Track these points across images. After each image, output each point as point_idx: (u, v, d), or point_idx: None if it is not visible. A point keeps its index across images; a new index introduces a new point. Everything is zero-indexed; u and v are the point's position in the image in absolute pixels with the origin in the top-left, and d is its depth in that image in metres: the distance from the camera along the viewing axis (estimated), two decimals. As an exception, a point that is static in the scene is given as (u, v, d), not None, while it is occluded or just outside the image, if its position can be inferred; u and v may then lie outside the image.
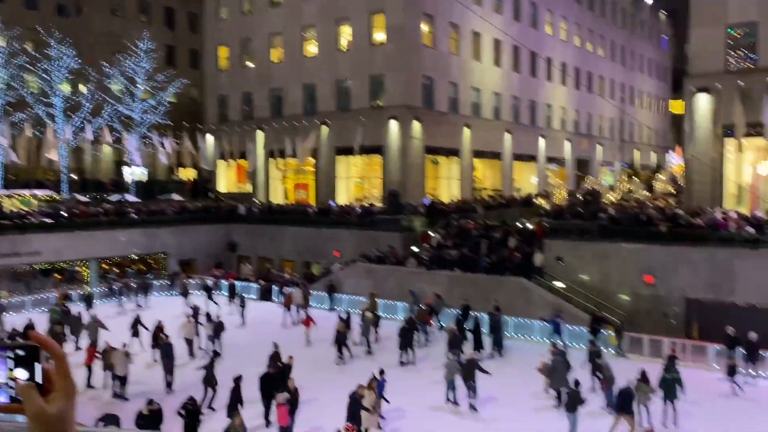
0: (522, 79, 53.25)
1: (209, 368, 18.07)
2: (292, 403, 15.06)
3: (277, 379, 16.61)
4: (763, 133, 25.21)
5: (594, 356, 19.22)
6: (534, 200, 43.93)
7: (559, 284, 27.30)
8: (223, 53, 53.35)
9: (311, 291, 31.01)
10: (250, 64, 51.33)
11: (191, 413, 14.48)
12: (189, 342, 23.01)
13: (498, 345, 23.44)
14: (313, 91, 46.92)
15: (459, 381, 18.10)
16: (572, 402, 15.54)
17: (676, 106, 77.14)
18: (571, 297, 26.54)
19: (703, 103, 31.55)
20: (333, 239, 36.63)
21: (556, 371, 17.92)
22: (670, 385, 16.77)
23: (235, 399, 15.38)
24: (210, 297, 31.35)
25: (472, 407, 18.00)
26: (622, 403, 15.62)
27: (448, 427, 16.95)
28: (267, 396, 16.29)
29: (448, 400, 18.29)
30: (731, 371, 19.31)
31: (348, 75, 44.85)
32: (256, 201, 46.80)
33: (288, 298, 29.12)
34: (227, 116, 53.15)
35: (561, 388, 17.59)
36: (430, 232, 33.54)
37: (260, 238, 40.28)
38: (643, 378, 16.70)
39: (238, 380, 15.86)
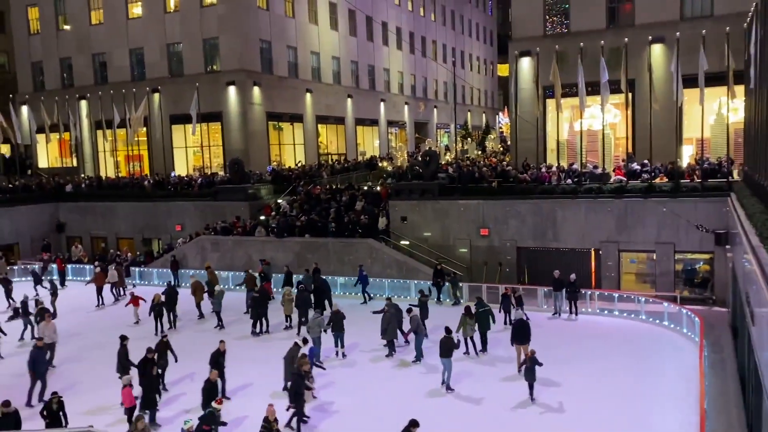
0: (360, 44, 53.71)
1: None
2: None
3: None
4: (577, 93, 27.66)
5: (419, 305, 20.49)
6: (378, 163, 44.93)
7: (404, 242, 28.40)
8: (34, 14, 48.00)
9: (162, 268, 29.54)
10: (67, 27, 46.68)
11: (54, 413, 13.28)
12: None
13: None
14: (141, 56, 43.85)
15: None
16: (446, 348, 16.37)
17: (503, 69, 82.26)
18: (416, 253, 27.76)
19: (525, 65, 33.92)
20: (173, 213, 34.98)
21: (390, 323, 18.83)
22: (483, 317, 19.15)
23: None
24: (37, 284, 28.76)
25: (344, 355, 19.28)
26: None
27: (329, 383, 17.09)
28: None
29: (318, 362, 18.28)
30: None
31: (179, 38, 42.41)
32: (84, 176, 43.25)
33: (99, 276, 27.43)
34: (44, 84, 48.18)
35: (393, 339, 19.08)
36: (273, 203, 33.08)
37: (91, 215, 37.44)
38: (467, 312, 18.91)
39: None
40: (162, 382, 16.49)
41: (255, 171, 37.28)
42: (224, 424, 12.93)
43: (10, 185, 38.98)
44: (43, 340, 17.21)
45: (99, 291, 27.01)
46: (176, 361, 17.16)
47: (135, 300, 23.94)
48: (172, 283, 27.04)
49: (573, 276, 22.77)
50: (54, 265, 31.87)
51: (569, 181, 26.89)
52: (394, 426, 12.20)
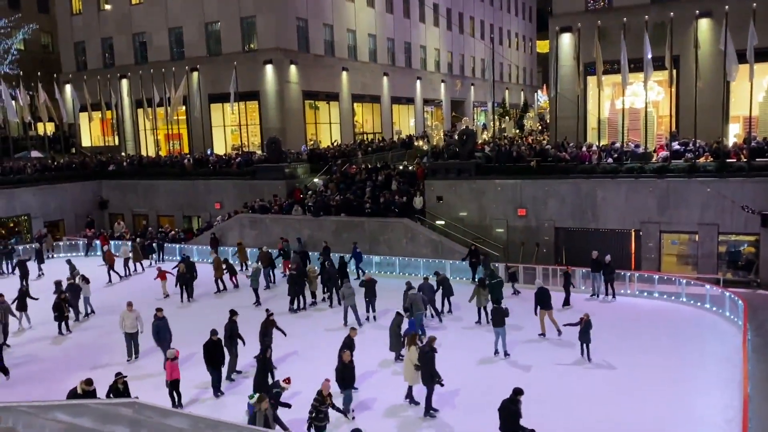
0: (396, 21, 53.25)
1: None
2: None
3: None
4: (619, 70, 26.97)
5: (440, 284, 21.18)
6: (414, 142, 44.72)
7: (440, 222, 28.31)
8: (76, -6, 48.87)
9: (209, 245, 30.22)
10: (108, 7, 47.36)
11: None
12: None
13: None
14: (180, 35, 44.29)
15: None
16: (499, 317, 17.06)
17: (543, 46, 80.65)
18: (451, 233, 27.66)
19: (566, 42, 33.19)
20: (212, 191, 35.49)
21: (414, 303, 18.85)
22: (496, 288, 19.71)
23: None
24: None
25: (375, 318, 20.61)
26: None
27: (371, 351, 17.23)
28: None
29: (359, 323, 19.79)
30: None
31: (217, 17, 42.67)
32: (125, 154, 44.15)
33: (109, 254, 28.20)
34: (86, 64, 49.12)
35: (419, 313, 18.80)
36: (303, 186, 33.21)
37: (133, 193, 38.22)
38: (481, 283, 20.17)
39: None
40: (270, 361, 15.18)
41: (291, 150, 37.51)
42: (288, 406, 12.79)
43: (55, 163, 40.00)
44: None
45: (110, 268, 27.59)
46: (285, 335, 17.30)
47: (162, 274, 24.67)
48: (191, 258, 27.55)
49: (608, 257, 22.39)
50: (98, 242, 32.76)
51: (610, 160, 26.35)
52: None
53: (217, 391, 15.29)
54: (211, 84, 41.24)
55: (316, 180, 33.99)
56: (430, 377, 13.60)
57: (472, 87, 67.42)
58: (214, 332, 15.19)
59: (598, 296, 22.75)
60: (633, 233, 25.49)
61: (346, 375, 13.66)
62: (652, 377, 15.39)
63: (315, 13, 43.62)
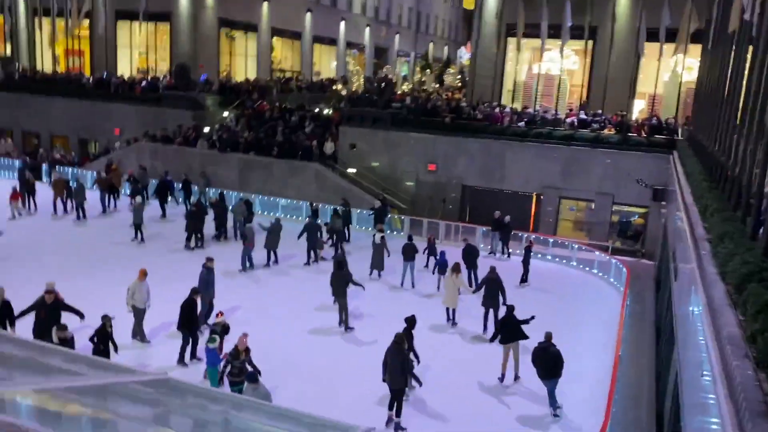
0: (324, -44, 51.19)
1: None
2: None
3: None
4: (539, 35, 27.26)
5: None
6: (332, 86, 43.74)
7: (351, 170, 28.04)
8: None
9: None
10: None
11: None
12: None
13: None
14: (87, -60, 40.51)
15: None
16: (409, 252, 19.01)
17: (469, 2, 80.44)
18: (361, 182, 27.49)
19: (490, 0, 33.10)
20: (113, 115, 33.34)
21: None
22: (408, 250, 19.55)
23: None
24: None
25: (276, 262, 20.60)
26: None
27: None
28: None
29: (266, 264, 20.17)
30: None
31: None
32: (17, 64, 40.55)
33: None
34: (-24, -40, 44.18)
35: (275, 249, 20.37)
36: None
37: (24, 109, 35.31)
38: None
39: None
40: None
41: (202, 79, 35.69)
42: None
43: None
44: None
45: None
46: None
47: (16, 195, 24.02)
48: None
49: (508, 218, 23.00)
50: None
51: (521, 123, 26.84)
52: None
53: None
54: (119, -1, 38.24)
55: (225, 114, 32.61)
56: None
57: (397, 35, 66.48)
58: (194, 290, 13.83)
59: (495, 254, 23.43)
60: (534, 196, 26.30)
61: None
62: (531, 333, 16.02)
63: (238, -64, 41.11)
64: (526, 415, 12.60)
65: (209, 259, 15.54)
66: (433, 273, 19.59)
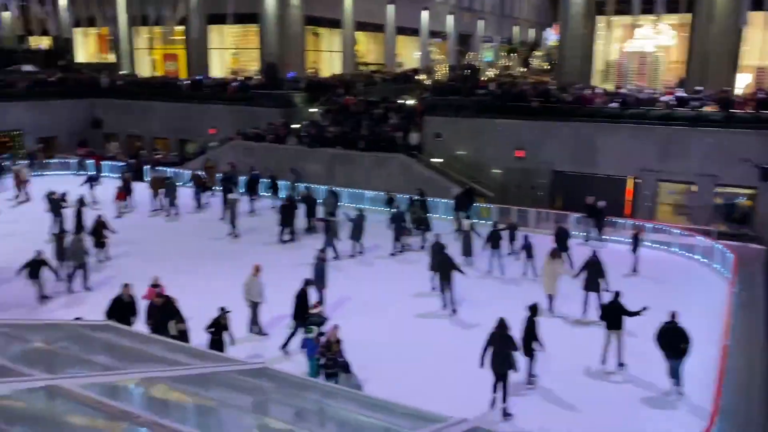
0: (405, -54, 51.04)
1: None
2: None
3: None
4: (630, 11, 26.01)
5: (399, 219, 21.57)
6: (416, 76, 43.69)
7: (436, 160, 27.93)
8: None
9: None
10: None
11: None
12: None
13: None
14: (179, -50, 42.43)
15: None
16: (495, 239, 18.85)
17: (556, -18, 77.79)
18: (448, 172, 27.32)
19: (579, -22, 31.86)
20: (208, 115, 34.84)
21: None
22: (493, 237, 19.23)
23: None
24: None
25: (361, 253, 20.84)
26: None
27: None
28: None
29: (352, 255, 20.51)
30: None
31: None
32: (122, 73, 43.12)
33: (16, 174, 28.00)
34: (81, -24, 47.33)
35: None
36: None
37: (128, 114, 37.52)
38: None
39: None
40: None
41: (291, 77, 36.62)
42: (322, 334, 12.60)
43: (49, 79, 39.09)
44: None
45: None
46: None
47: (121, 194, 25.57)
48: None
49: (602, 203, 22.17)
50: (90, 161, 32.37)
51: (614, 104, 25.75)
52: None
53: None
54: (210, 3, 39.82)
55: (313, 110, 33.32)
56: None
57: (481, 21, 65.36)
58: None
59: (588, 242, 22.64)
60: (630, 180, 25.18)
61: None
62: (631, 322, 15.39)
63: (320, -66, 41.72)
64: (638, 398, 12.41)
65: (322, 251, 16.09)
66: (517, 258, 19.46)
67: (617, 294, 13.45)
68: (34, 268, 16.05)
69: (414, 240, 21.60)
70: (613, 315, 13.24)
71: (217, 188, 26.92)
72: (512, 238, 20.56)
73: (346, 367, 10.65)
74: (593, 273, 15.76)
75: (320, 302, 15.02)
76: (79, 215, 21.55)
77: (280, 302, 14.40)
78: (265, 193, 27.18)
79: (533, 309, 12.57)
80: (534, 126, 26.29)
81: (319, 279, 15.37)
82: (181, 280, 16.71)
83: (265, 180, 27.01)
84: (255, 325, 14.76)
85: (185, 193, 26.80)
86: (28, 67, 42.61)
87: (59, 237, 18.12)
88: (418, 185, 26.47)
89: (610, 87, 29.24)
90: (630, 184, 25.23)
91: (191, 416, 4.84)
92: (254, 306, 14.61)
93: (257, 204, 26.43)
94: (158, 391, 4.77)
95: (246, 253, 19.75)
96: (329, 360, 11.69)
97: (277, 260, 19.21)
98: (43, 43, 50.31)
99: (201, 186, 27.01)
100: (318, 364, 12.06)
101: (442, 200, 25.30)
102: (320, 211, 23.62)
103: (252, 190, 26.35)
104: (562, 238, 19.21)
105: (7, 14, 39.88)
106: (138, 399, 4.69)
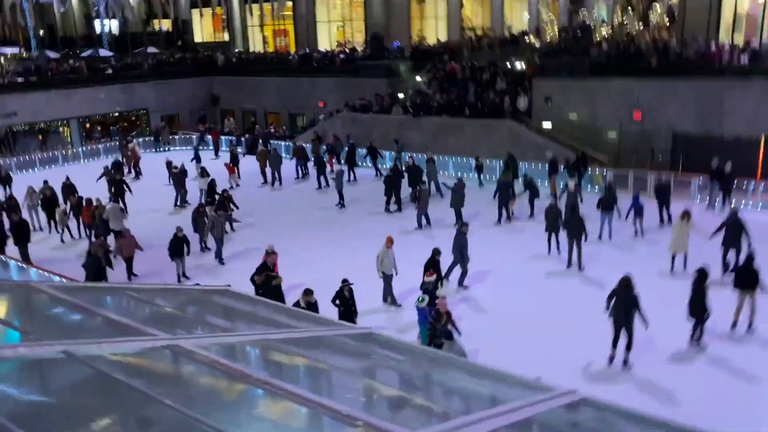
0: None
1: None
2: None
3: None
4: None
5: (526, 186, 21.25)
6: (525, 38, 42.07)
7: (546, 125, 26.98)
8: None
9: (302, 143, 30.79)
10: None
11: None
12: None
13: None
14: (285, -74, 43.24)
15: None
16: (607, 203, 18.41)
17: (679, -72, 71.85)
18: (558, 137, 26.33)
19: None
20: (316, 88, 35.61)
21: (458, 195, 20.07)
22: (606, 201, 18.57)
23: None
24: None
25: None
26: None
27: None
28: None
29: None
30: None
31: None
32: (236, 50, 44.91)
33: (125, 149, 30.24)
34: (197, -41, 49.52)
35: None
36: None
37: (242, 90, 39.13)
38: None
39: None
40: None
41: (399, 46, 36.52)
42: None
43: (171, 59, 41.46)
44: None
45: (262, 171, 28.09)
46: None
47: (231, 168, 26.88)
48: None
49: (729, 165, 20.47)
50: (209, 136, 34.19)
51: (744, 59, 23.59)
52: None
53: None
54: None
55: (418, 79, 33.13)
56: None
57: (594, -23, 61.74)
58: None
59: (714, 207, 21.10)
60: (763, 139, 23.08)
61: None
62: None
63: None
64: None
65: (464, 224, 16.15)
66: (626, 219, 18.80)
67: (751, 257, 12.89)
68: (177, 247, 16.66)
69: (517, 207, 21.06)
70: (746, 275, 12.69)
71: (323, 158, 27.43)
72: (615, 201, 19.16)
73: (448, 335, 10.73)
74: (734, 233, 15.32)
75: (434, 272, 14.75)
76: (211, 189, 22.73)
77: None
78: (364, 163, 27.62)
79: (701, 273, 12.20)
80: (653, 86, 24.65)
81: (461, 251, 15.28)
82: (301, 250, 17.51)
83: (363, 150, 27.46)
84: (390, 296, 14.86)
85: (289, 166, 27.65)
86: (152, 49, 45.44)
87: (199, 211, 18.85)
88: (527, 152, 25.80)
89: (738, 41, 26.77)
90: (763, 145, 23.14)
91: (302, 377, 5.04)
92: (387, 278, 14.66)
93: (357, 173, 26.87)
94: (270, 352, 5.00)
95: (356, 223, 20.23)
96: (438, 331, 11.79)
97: (385, 230, 19.41)
98: (164, 25, 53.36)
99: (304, 158, 27.74)
100: (427, 334, 12.20)
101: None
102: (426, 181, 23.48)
103: (351, 160, 26.77)
104: (662, 191, 19.38)
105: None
106: (251, 359, 4.95)
